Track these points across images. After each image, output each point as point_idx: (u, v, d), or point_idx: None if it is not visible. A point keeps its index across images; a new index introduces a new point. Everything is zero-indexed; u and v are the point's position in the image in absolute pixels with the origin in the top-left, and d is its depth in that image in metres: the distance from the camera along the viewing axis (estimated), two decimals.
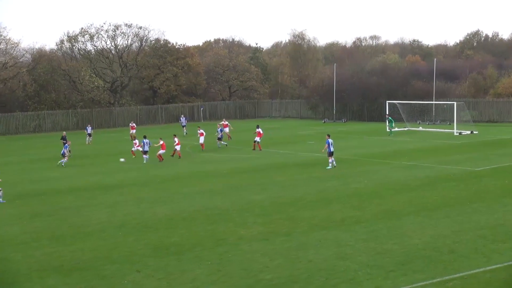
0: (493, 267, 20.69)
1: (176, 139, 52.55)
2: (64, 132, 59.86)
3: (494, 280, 19.51)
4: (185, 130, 74.46)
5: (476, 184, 36.33)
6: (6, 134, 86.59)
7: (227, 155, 53.40)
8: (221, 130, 60.51)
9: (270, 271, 20.98)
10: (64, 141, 56.12)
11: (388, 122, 69.61)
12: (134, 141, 54.39)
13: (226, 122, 66.56)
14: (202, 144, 57.27)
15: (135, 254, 23.67)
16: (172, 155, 51.96)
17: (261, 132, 57.40)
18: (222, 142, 59.27)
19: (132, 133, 68.46)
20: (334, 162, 43.45)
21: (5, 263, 23.00)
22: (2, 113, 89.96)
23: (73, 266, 22.35)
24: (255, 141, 56.45)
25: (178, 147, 52.43)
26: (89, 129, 71.13)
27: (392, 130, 68.72)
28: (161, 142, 50.37)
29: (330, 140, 43.61)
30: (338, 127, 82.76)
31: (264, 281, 20.07)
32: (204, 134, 57.77)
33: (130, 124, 73.53)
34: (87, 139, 69.36)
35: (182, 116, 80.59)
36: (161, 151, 50.21)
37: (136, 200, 34.63)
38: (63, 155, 49.51)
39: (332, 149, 43.48)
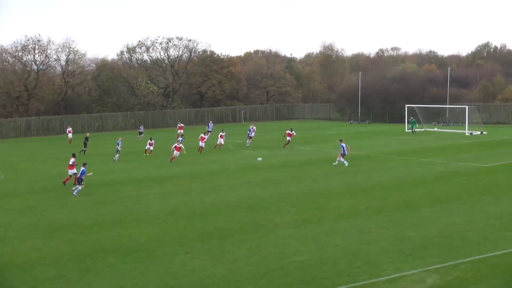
0: (500, 252, 20.46)
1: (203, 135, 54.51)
2: (88, 134, 60.82)
3: (501, 264, 19.28)
4: (208, 135, 72.34)
5: (485, 179, 35.90)
6: (73, 132, 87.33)
7: (266, 152, 53.35)
8: (252, 131, 59.80)
9: (302, 254, 20.94)
10: (86, 141, 56.82)
11: (411, 124, 68.99)
12: (178, 139, 54.42)
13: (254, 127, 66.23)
14: (219, 145, 56.95)
15: (184, 237, 23.80)
16: (214, 147, 54.69)
17: (291, 133, 57.21)
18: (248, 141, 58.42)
19: (179, 132, 68.84)
20: (346, 162, 42.74)
21: (72, 244, 23.28)
22: (71, 114, 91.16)
23: (130, 247, 22.55)
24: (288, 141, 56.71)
25: (202, 143, 53.73)
26: (141, 128, 72.63)
27: (415, 130, 68.21)
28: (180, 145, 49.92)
29: (344, 144, 43.29)
30: (362, 127, 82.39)
31: (296, 263, 20.04)
32: (224, 136, 57.89)
33: (178, 124, 73.73)
34: (138, 136, 70.37)
35: (211, 122, 79.90)
36: (175, 153, 48.87)
37: (187, 190, 34.77)
38: (117, 151, 49.86)
39: (345, 151, 43.02)
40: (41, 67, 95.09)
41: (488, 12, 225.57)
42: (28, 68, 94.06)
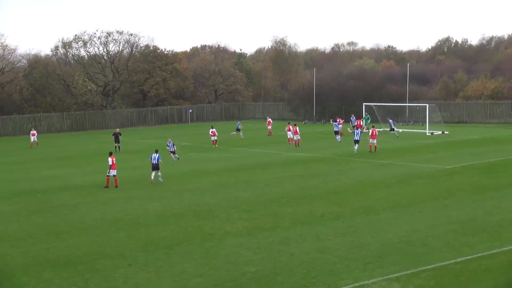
0: (463, 259, 20.84)
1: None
2: (118, 129, 60.69)
3: (464, 271, 19.64)
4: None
5: (447, 181, 36.52)
6: (4, 135, 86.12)
7: (215, 155, 53.29)
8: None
9: (254, 264, 21.00)
10: (119, 135, 58.31)
11: (365, 120, 69.96)
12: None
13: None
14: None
15: (127, 248, 23.62)
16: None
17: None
18: None
19: (269, 128, 72.71)
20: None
21: (3, 258, 22.88)
22: (0, 115, 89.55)
23: (68, 260, 22.28)
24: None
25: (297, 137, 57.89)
26: (240, 125, 70.98)
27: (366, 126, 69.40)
28: None
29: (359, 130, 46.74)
30: (317, 128, 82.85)
31: (249, 274, 20.09)
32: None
33: (268, 119, 76.02)
34: (240, 134, 68.74)
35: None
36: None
37: (129, 197, 34.50)
38: (173, 152, 49.14)
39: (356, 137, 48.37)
40: None
41: (448, 6, 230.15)
42: None
